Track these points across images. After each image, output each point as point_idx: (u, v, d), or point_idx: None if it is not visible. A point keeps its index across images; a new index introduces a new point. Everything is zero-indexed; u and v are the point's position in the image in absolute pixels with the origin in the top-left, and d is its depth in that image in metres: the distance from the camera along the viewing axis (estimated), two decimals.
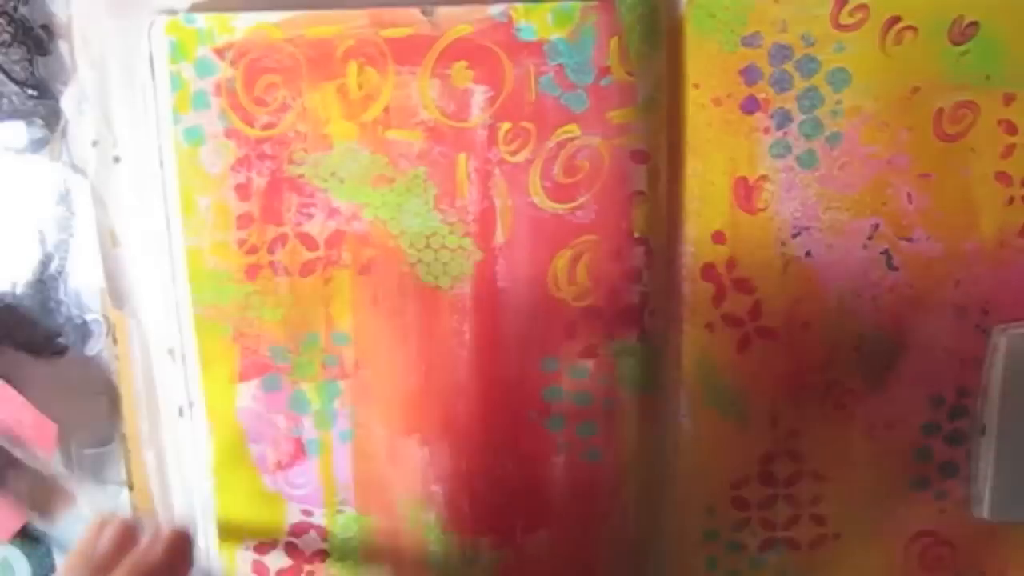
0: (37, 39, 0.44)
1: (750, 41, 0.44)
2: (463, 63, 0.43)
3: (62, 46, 0.44)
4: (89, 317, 0.47)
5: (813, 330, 0.46)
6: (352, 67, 0.43)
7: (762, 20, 0.44)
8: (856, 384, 0.47)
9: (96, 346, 0.47)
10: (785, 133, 0.45)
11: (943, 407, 0.48)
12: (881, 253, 0.46)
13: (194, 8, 0.43)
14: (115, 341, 0.47)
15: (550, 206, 0.45)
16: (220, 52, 0.43)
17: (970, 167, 0.45)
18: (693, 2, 0.44)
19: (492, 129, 0.44)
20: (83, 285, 0.46)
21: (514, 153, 0.44)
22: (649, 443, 0.47)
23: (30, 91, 0.44)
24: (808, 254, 0.46)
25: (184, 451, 0.48)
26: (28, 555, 0.48)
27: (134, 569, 0.37)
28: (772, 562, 0.49)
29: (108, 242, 0.46)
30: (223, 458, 0.47)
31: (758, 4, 0.43)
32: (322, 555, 0.48)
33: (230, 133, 0.44)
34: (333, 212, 0.45)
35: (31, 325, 0.46)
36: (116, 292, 0.46)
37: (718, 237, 0.46)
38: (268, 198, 0.44)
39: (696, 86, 0.44)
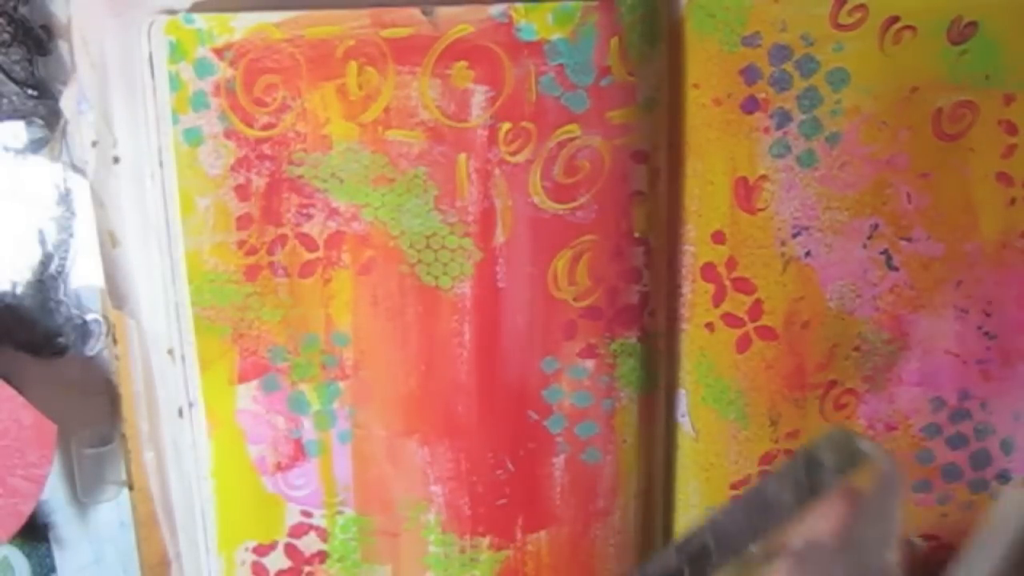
0: (37, 39, 0.43)
1: (750, 41, 0.44)
2: (463, 63, 0.43)
3: (62, 46, 0.44)
4: (89, 317, 0.46)
5: (813, 330, 0.46)
6: (352, 67, 0.43)
7: (762, 20, 0.44)
8: (856, 384, 0.47)
9: (96, 346, 0.47)
10: (785, 133, 0.45)
11: (944, 409, 0.48)
12: (881, 253, 0.46)
13: (194, 8, 0.43)
14: (115, 341, 0.47)
15: (550, 206, 0.45)
16: (219, 52, 0.43)
17: (970, 167, 0.45)
18: (693, 2, 0.44)
19: (492, 129, 0.44)
20: (83, 285, 0.46)
21: (514, 153, 0.44)
22: (649, 443, 0.47)
23: (30, 91, 0.44)
24: (808, 254, 0.46)
25: (184, 451, 0.48)
26: (28, 555, 0.48)
27: None
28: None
29: (108, 242, 0.46)
30: (222, 459, 0.47)
31: (758, 4, 0.43)
32: (322, 556, 0.48)
33: (229, 134, 0.44)
34: (333, 213, 0.45)
35: (31, 325, 0.46)
36: (116, 292, 0.46)
37: (718, 237, 0.46)
38: (268, 199, 0.44)
39: (696, 86, 0.44)
